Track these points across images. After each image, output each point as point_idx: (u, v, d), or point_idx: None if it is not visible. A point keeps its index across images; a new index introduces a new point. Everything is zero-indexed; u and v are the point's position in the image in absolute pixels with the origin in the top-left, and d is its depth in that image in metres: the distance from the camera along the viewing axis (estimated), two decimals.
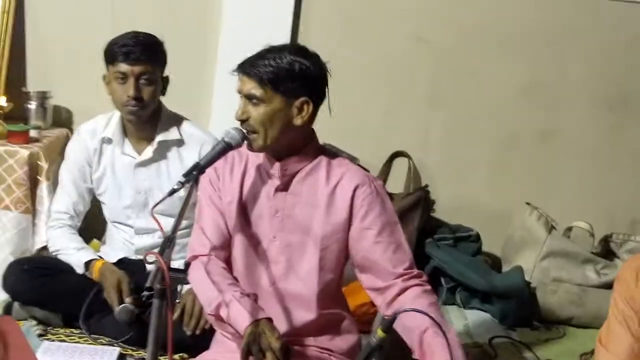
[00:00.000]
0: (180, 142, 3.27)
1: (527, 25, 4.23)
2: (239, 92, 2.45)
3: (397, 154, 4.12)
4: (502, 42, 4.25)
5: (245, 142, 2.45)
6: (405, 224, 3.69)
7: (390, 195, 3.69)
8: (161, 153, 3.27)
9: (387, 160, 4.10)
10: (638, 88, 4.28)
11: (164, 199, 2.31)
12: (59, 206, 3.30)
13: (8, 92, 3.89)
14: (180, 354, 2.79)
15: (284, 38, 3.91)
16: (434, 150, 4.24)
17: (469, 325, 3.61)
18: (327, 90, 2.52)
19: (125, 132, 3.27)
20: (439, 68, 4.25)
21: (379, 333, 1.91)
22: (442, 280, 3.88)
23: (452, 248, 3.96)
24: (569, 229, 4.06)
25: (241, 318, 2.30)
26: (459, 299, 3.85)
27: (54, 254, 3.25)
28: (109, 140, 3.27)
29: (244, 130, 2.45)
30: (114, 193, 3.30)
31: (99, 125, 3.30)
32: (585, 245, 3.96)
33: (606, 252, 3.95)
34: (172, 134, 3.28)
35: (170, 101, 3.32)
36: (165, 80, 3.26)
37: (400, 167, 4.13)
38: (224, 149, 2.42)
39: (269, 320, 2.31)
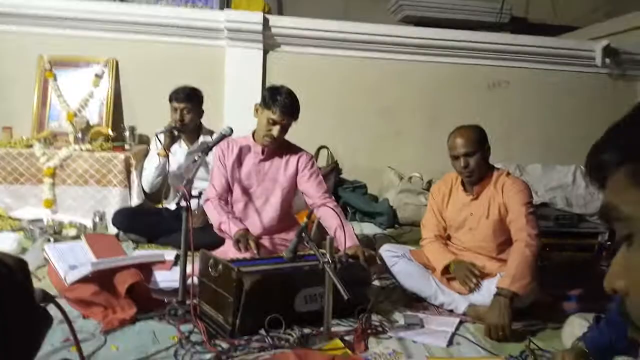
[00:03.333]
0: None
1: (389, 81, 4.16)
2: (275, 120, 2.37)
3: (322, 147, 4.06)
4: (371, 86, 4.16)
5: (265, 139, 2.41)
6: (327, 181, 3.60)
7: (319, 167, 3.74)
8: (201, 147, 3.14)
9: (317, 149, 4.03)
10: (438, 113, 4.17)
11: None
12: None
13: (113, 126, 3.77)
14: (202, 249, 2.58)
15: (257, 86, 3.87)
16: (342, 143, 4.13)
17: (362, 230, 3.57)
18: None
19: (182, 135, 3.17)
20: (340, 104, 4.13)
21: (304, 220, 1.95)
22: (348, 208, 3.84)
23: (352, 192, 3.93)
24: (410, 177, 4.05)
25: (232, 229, 2.33)
26: (357, 217, 3.83)
27: None
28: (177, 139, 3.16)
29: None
30: (174, 166, 3.16)
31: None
32: (419, 185, 3.97)
33: (429, 188, 3.92)
34: (207, 139, 3.17)
35: (206, 118, 3.26)
36: (202, 111, 3.18)
37: (323, 154, 4.08)
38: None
39: (247, 229, 2.35)
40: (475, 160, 2.26)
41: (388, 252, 2.44)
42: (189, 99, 3.12)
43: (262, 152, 2.51)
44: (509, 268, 2.12)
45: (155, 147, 3.16)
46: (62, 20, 3.76)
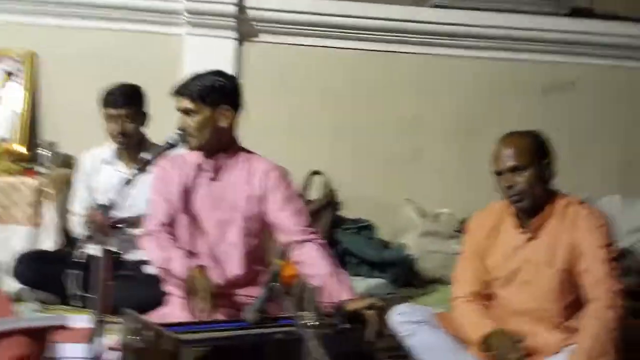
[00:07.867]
0: None
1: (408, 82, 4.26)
2: (178, 109, 2.46)
3: (314, 172, 4.05)
4: (382, 90, 4.26)
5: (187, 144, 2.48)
6: (319, 220, 3.78)
7: (308, 201, 3.84)
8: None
9: (307, 175, 4.03)
10: (476, 126, 4.24)
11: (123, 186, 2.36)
12: None
13: (30, 144, 3.89)
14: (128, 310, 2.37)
15: None
16: (341, 168, 4.15)
17: (369, 288, 3.55)
18: (242, 101, 2.54)
19: (118, 156, 3.18)
20: (340, 114, 4.22)
21: (276, 261, 1.95)
22: (349, 258, 3.82)
23: (355, 235, 3.93)
24: (437, 215, 4.08)
25: (181, 266, 2.38)
26: (362, 271, 3.78)
27: None
28: (105, 161, 3.19)
29: (182, 134, 2.46)
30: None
31: (99, 151, 3.25)
32: (450, 225, 3.99)
33: (463, 230, 3.92)
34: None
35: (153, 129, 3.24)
36: (144, 115, 3.19)
37: (316, 182, 4.07)
38: (167, 147, 2.44)
39: (202, 267, 2.37)
40: (526, 178, 2.26)
41: (403, 315, 2.40)
42: (130, 102, 3.14)
43: (213, 169, 2.55)
44: (582, 340, 2.09)
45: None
46: None
